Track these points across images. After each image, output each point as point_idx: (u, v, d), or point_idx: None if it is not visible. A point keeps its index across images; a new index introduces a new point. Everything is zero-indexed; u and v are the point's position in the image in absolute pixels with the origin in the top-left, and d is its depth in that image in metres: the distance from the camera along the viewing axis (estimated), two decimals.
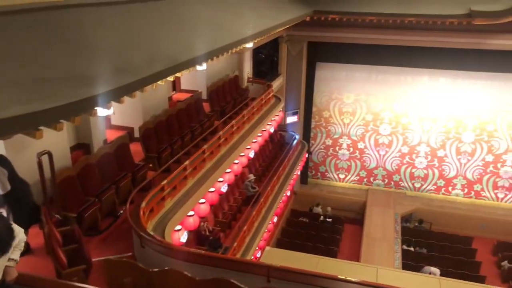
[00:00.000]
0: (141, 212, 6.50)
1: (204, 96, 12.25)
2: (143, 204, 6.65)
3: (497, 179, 17.76)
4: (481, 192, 18.13)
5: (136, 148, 8.89)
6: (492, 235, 16.85)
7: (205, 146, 8.66)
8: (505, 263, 14.98)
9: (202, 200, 8.51)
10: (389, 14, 14.51)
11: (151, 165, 8.53)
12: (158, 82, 5.81)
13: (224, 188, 9.71)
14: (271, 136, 15.33)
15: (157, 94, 9.82)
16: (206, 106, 11.87)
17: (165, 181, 7.24)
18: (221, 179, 9.47)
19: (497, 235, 16.77)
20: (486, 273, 14.37)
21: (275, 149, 16.15)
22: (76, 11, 5.34)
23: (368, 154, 18.92)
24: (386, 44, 15.99)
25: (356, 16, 14.83)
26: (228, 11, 9.85)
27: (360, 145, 18.87)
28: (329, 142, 19.25)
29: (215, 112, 11.47)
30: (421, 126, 17.90)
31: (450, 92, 17.20)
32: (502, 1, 13.56)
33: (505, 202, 17.94)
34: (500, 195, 17.93)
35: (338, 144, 19.16)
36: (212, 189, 8.95)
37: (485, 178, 17.87)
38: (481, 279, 13.71)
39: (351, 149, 19.06)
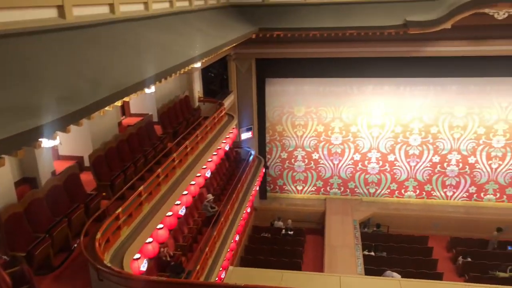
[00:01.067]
0: (97, 244, 6.24)
1: (155, 118, 12.07)
2: (98, 235, 6.39)
3: (445, 178, 18.65)
4: (432, 192, 18.95)
5: (87, 178, 8.57)
6: (445, 232, 17.61)
7: (159, 170, 8.49)
8: (460, 259, 15.64)
9: (160, 225, 8.30)
10: (331, 28, 15.04)
11: (104, 193, 8.23)
12: (106, 108, 5.68)
13: (182, 211, 9.53)
14: (227, 154, 15.31)
15: (105, 120, 9.56)
16: (158, 129, 11.69)
17: (119, 209, 7.01)
18: (178, 202, 9.29)
19: (449, 232, 17.55)
20: (443, 270, 14.95)
21: (232, 166, 16.12)
22: (16, 40, 5.13)
23: (322, 164, 19.31)
24: (330, 56, 16.55)
25: (300, 32, 15.24)
26: (173, 33, 9.84)
27: (315, 156, 19.24)
28: (284, 155, 19.48)
29: (168, 134, 11.31)
30: (370, 133, 18.54)
31: (394, 98, 17.99)
32: (434, 11, 14.48)
33: (454, 199, 18.83)
34: (449, 193, 18.82)
35: (294, 156, 19.43)
36: (169, 213, 8.76)
37: (434, 178, 18.71)
38: (439, 276, 14.25)
39: (306, 161, 19.38)
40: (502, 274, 14.26)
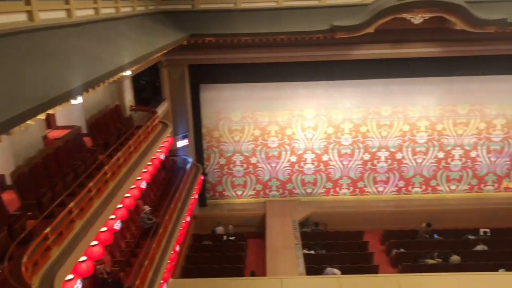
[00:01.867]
0: (23, 268, 5.79)
1: (84, 130, 11.50)
2: (25, 259, 5.93)
3: (376, 175, 19.61)
4: (364, 188, 19.84)
5: (9, 197, 7.94)
6: (378, 226, 18.49)
7: (90, 184, 8.08)
8: (393, 250, 16.50)
9: (94, 242, 7.90)
10: (263, 33, 15.33)
11: (30, 213, 7.67)
12: (28, 122, 5.31)
13: (117, 225, 9.14)
14: (163, 163, 14.96)
15: (28, 135, 8.96)
16: (88, 141, 11.14)
17: (48, 229, 6.57)
18: (113, 216, 8.91)
19: (383, 225, 18.45)
20: (379, 262, 15.71)
21: (169, 175, 15.79)
22: None
23: (261, 167, 19.51)
24: (263, 61, 16.84)
25: (232, 38, 15.36)
26: (100, 41, 9.47)
27: (253, 160, 19.40)
28: (223, 161, 19.44)
29: (98, 146, 10.81)
30: (304, 135, 19.06)
31: (325, 101, 18.65)
32: (358, 16, 15.23)
33: (385, 194, 19.86)
34: (380, 189, 19.82)
35: (232, 162, 19.45)
36: (104, 229, 8.37)
37: (366, 175, 19.61)
38: (375, 269, 14.94)
39: (245, 165, 19.48)
40: (430, 261, 15.24)
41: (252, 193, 19.90)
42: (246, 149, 19.24)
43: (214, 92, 18.51)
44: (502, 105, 18.53)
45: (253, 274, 14.74)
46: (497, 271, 13.54)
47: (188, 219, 14.81)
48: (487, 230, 17.15)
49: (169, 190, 14.40)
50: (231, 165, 19.49)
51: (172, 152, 16.86)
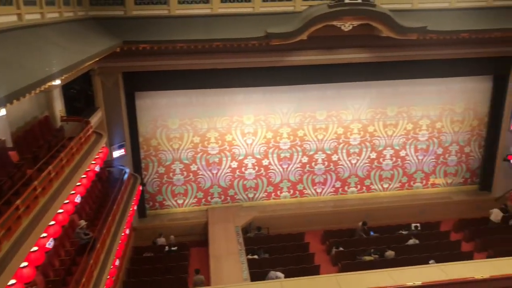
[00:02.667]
0: None
1: (10, 144, 10.75)
2: None
3: (314, 177, 20.18)
4: (304, 191, 20.33)
5: None
6: (318, 226, 19.04)
7: (18, 201, 7.55)
8: (333, 249, 17.04)
9: (24, 264, 7.39)
10: (198, 40, 15.27)
11: None
12: None
13: (49, 244, 8.63)
14: (98, 175, 14.37)
15: None
16: (14, 155, 10.42)
17: None
18: (44, 234, 8.39)
19: (322, 226, 19.03)
20: (320, 262, 16.15)
21: (105, 188, 15.19)
22: None
23: (202, 175, 19.35)
24: (200, 68, 16.76)
25: (167, 44, 15.15)
26: (25, 49, 8.93)
27: (193, 168, 19.19)
28: (162, 170, 19.04)
29: (26, 160, 10.13)
30: (244, 141, 19.18)
31: (263, 106, 18.91)
32: (291, 23, 15.65)
33: (323, 195, 20.47)
34: (318, 190, 20.41)
35: (171, 170, 19.11)
36: (34, 248, 7.86)
37: (305, 177, 20.11)
38: (316, 269, 15.35)
39: (185, 173, 19.22)
40: (368, 258, 15.92)
41: (194, 201, 19.67)
42: (185, 157, 19.00)
43: (150, 100, 18.10)
44: (426, 107, 19.84)
45: (197, 272, 14.73)
46: (427, 263, 14.43)
47: (127, 231, 14.33)
48: (418, 224, 18.25)
49: (106, 202, 13.84)
50: (171, 174, 19.15)
51: (108, 163, 16.25)
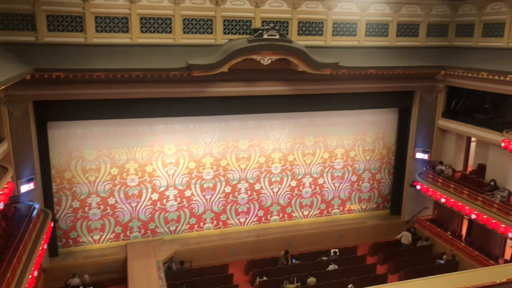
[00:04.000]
0: None
1: None
2: None
3: (237, 206, 20.24)
4: (227, 221, 20.26)
5: None
6: (242, 256, 19.00)
7: None
8: (257, 279, 17.02)
9: None
10: (117, 70, 14.93)
11: None
12: None
13: None
14: (3, 212, 13.13)
15: None
16: None
17: None
18: None
19: (246, 256, 19.01)
20: None
21: (11, 226, 13.86)
22: None
23: (120, 208, 18.51)
24: (119, 98, 16.30)
25: (83, 73, 14.60)
26: None
27: (111, 201, 18.30)
28: (76, 204, 17.90)
29: None
30: (166, 172, 18.79)
31: (185, 136, 18.76)
32: (213, 55, 15.93)
33: (246, 225, 20.55)
34: (242, 220, 20.47)
35: (87, 204, 18.05)
36: None
37: (228, 207, 20.10)
38: None
39: (102, 207, 18.25)
40: (290, 286, 16.13)
41: (111, 236, 18.67)
42: (102, 190, 18.09)
43: (64, 130, 17.13)
44: (341, 137, 21.02)
45: None
46: (346, 287, 14.97)
47: (35, 273, 13.12)
48: (336, 250, 18.97)
49: (11, 242, 12.61)
50: (86, 208, 18.08)
51: (15, 198, 14.94)
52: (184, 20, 16.41)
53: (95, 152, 17.68)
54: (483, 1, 18.22)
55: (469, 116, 18.95)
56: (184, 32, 16.50)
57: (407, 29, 19.41)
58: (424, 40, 19.71)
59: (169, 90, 16.70)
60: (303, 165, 20.77)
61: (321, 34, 18.31)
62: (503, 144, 15.96)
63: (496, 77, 16.36)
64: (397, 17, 19.05)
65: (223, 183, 19.78)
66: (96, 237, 18.47)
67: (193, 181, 19.30)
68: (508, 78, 15.83)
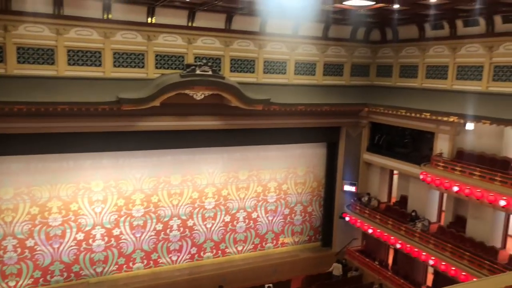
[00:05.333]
0: None
1: None
2: None
3: (169, 244, 19.59)
4: (158, 260, 19.48)
5: None
6: None
7: None
8: None
9: None
10: (39, 103, 14.19)
11: None
12: None
13: None
14: None
15: None
16: None
17: None
18: None
19: None
20: None
21: None
22: None
23: (40, 250, 17.13)
24: (41, 132, 15.39)
25: (2, 106, 13.69)
26: None
27: (29, 243, 16.90)
28: None
29: None
30: (93, 209, 17.84)
31: (114, 172, 18.06)
32: (144, 89, 15.73)
33: (179, 263, 19.90)
34: (174, 258, 19.80)
35: (2, 247, 16.52)
36: None
37: (159, 245, 19.38)
38: None
39: (19, 250, 16.78)
40: None
41: (29, 282, 17.12)
42: (20, 231, 16.68)
43: None
44: (273, 170, 21.41)
45: None
46: None
47: None
48: (271, 285, 18.83)
49: None
50: (1, 252, 16.51)
51: None
52: (114, 53, 16.16)
53: (12, 190, 16.39)
54: (399, 45, 19.94)
55: (391, 150, 20.23)
56: (115, 66, 16.20)
57: (333, 68, 20.61)
58: (348, 79, 21.01)
59: (97, 125, 16.11)
60: (237, 199, 20.75)
61: (253, 72, 18.88)
62: (421, 177, 17.15)
63: (413, 114, 17.74)
64: (324, 57, 20.21)
65: (154, 220, 19.12)
66: (12, 283, 16.84)
67: (122, 219, 18.46)
68: (423, 116, 17.25)
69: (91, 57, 15.82)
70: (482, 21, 15.95)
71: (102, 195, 17.92)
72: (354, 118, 21.21)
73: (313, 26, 19.41)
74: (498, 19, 15.43)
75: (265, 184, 21.35)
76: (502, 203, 14.11)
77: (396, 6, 14.77)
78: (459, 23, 16.91)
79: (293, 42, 19.30)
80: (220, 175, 20.22)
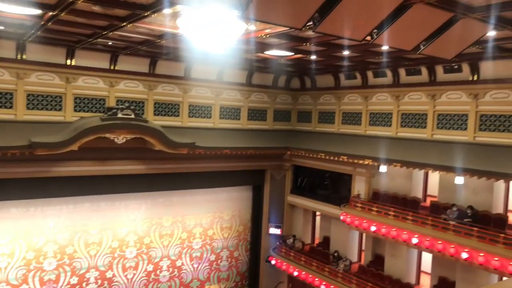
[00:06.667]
0: None
1: None
2: None
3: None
4: None
5: None
6: None
7: None
8: None
9: None
10: None
11: None
12: None
13: None
14: None
15: None
16: None
17: None
18: None
19: None
20: None
21: None
22: None
23: None
24: None
25: None
26: None
27: None
28: None
29: None
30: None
31: (23, 222, 16.59)
32: (61, 133, 14.95)
33: None
34: None
35: None
36: None
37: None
38: None
39: None
40: None
41: None
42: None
43: None
44: (199, 215, 21.01)
45: None
46: None
47: None
48: None
49: None
50: None
51: None
52: (28, 95, 15.33)
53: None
54: (317, 93, 21.19)
55: (313, 192, 20.92)
56: (28, 108, 15.32)
57: (257, 113, 21.26)
58: (272, 124, 21.74)
59: (6, 170, 14.87)
60: (160, 247, 19.93)
61: (178, 115, 18.85)
62: (341, 217, 17.85)
63: (332, 158, 18.66)
64: (248, 102, 20.83)
65: (68, 273, 17.63)
66: None
67: (31, 273, 16.79)
68: (341, 159, 18.20)
69: (1, 99, 14.83)
70: (389, 73, 17.57)
71: (8, 248, 16.22)
72: (278, 161, 21.79)
73: (237, 72, 20.09)
74: (402, 71, 17.11)
75: (190, 230, 20.82)
76: (415, 240, 15.04)
77: (313, 57, 15.79)
78: (369, 74, 18.47)
79: (218, 87, 19.72)
80: (142, 222, 19.41)
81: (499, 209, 14.87)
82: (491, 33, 10.52)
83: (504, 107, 14.07)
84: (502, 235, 13.15)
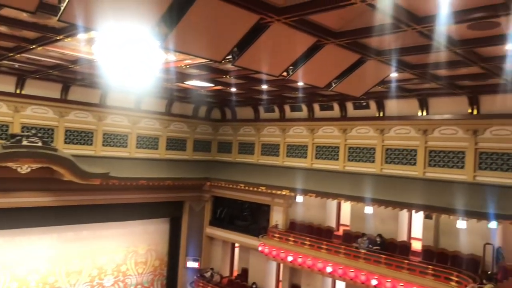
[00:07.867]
0: None
1: None
2: None
3: None
4: None
5: None
6: None
7: None
8: None
9: None
10: None
11: None
12: None
13: None
14: None
15: None
16: None
17: None
18: None
19: None
20: None
21: None
22: None
23: None
24: None
25: None
26: None
27: None
28: None
29: None
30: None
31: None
32: None
33: None
34: None
35: None
36: None
37: None
38: None
39: None
40: None
41: None
42: None
43: None
44: (111, 250, 19.75)
45: None
46: None
47: None
48: None
49: None
50: None
51: None
52: None
53: None
54: (237, 124, 21.49)
55: (232, 223, 20.83)
56: None
57: (176, 143, 20.92)
58: (191, 154, 21.49)
59: None
60: (66, 286, 18.25)
61: (91, 144, 17.93)
62: (260, 248, 17.90)
63: (251, 188, 18.83)
64: (167, 132, 20.46)
65: None
66: None
67: None
68: (260, 189, 18.43)
69: None
70: (304, 107, 18.42)
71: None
72: (197, 192, 21.46)
73: (156, 101, 19.75)
74: (316, 106, 18.04)
75: (101, 267, 19.46)
76: (329, 269, 15.51)
77: (233, 89, 16.08)
78: (287, 108, 19.21)
79: (135, 115, 19.17)
80: (47, 259, 17.77)
81: (404, 237, 15.97)
82: (394, 74, 11.54)
83: (406, 142, 15.36)
84: (406, 261, 14.07)
